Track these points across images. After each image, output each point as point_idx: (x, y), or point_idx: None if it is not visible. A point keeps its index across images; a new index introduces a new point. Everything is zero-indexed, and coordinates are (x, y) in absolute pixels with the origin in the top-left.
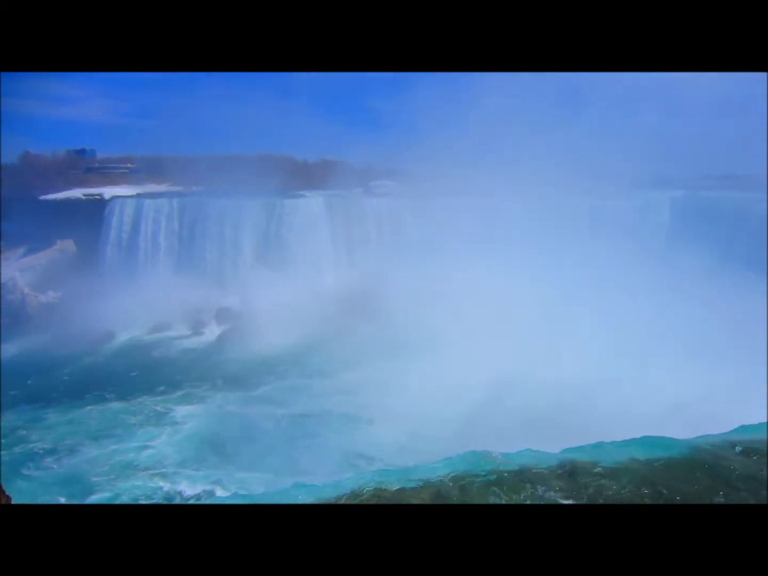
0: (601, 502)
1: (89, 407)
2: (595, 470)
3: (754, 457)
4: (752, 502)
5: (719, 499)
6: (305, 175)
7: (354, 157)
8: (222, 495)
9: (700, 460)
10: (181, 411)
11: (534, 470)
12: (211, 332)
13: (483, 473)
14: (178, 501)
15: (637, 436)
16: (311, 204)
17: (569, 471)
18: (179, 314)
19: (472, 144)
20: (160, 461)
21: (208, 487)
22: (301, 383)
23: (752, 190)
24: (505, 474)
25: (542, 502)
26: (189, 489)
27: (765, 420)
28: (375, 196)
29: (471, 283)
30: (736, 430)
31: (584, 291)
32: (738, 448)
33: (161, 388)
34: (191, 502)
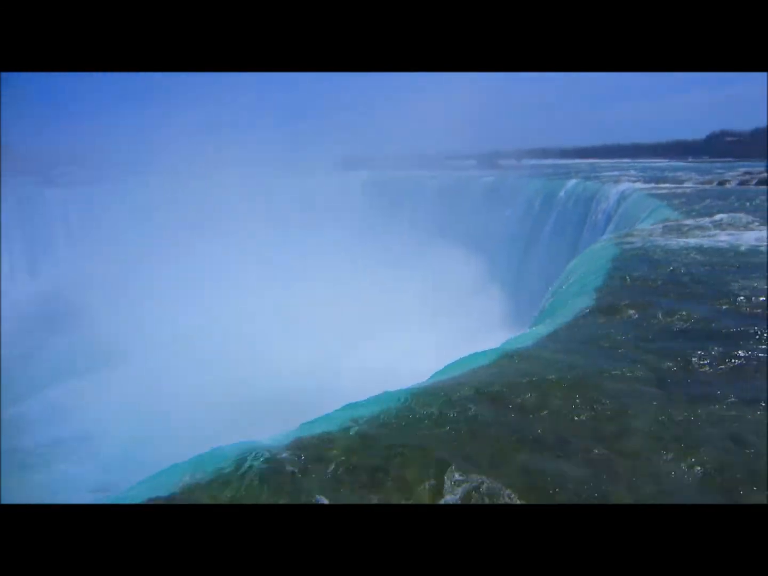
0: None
1: None
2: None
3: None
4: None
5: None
6: None
7: (27, 141)
8: None
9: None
10: None
11: (262, 455)
12: None
13: (229, 467)
14: None
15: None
16: None
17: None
18: None
19: (181, 123)
20: None
21: None
22: None
23: (425, 168)
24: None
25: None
26: None
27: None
28: (58, 186)
29: (183, 274)
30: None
31: (304, 271)
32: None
33: None
34: None
